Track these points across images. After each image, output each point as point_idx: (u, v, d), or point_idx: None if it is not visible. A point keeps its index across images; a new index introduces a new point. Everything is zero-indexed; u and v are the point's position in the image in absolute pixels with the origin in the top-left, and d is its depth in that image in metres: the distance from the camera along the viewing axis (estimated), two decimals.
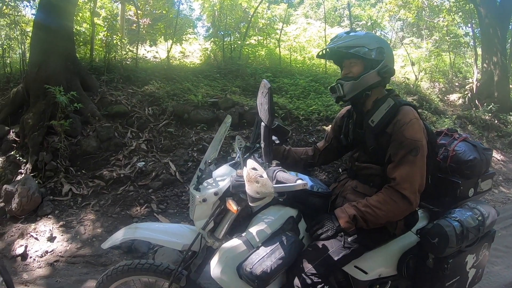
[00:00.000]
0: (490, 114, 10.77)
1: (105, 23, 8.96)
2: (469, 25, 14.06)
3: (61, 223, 4.80)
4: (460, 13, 14.20)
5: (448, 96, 12.40)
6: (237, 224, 2.26)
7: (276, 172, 1.95)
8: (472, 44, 14.10)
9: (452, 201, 2.53)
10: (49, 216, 4.94)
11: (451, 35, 14.14)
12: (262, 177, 1.75)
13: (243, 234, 2.11)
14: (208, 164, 2.32)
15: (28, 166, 5.52)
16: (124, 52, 8.81)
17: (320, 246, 2.15)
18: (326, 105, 7.85)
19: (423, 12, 15.57)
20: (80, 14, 9.05)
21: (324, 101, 8.04)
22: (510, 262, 4.50)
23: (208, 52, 10.88)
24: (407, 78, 11.90)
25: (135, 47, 9.34)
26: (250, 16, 12.21)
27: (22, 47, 8.14)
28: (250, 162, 1.85)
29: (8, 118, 6.35)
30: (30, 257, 4.32)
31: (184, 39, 12.25)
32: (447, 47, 14.02)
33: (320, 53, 2.49)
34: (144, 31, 12.50)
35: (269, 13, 14.11)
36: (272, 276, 1.93)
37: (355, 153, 2.49)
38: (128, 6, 12.07)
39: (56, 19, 6.48)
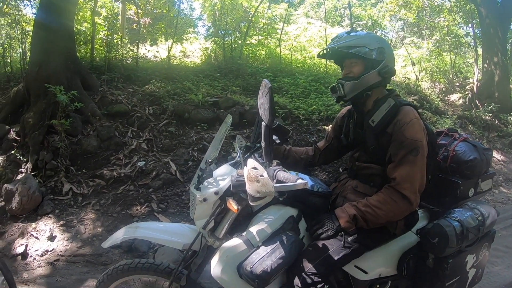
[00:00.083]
0: (490, 114, 10.77)
1: (106, 23, 8.97)
2: (470, 25, 14.08)
3: (61, 222, 4.81)
4: (461, 13, 14.20)
5: (448, 96, 12.39)
6: (238, 223, 2.26)
7: (277, 172, 1.95)
8: (473, 44, 14.11)
9: (452, 201, 2.53)
10: (49, 215, 4.94)
11: (451, 35, 14.14)
12: (263, 176, 1.75)
13: (244, 234, 2.12)
14: (209, 164, 2.33)
15: (29, 165, 5.53)
16: (124, 52, 8.83)
17: (320, 246, 2.16)
18: (326, 105, 7.85)
19: (424, 12, 15.57)
20: (81, 13, 9.07)
21: (324, 101, 8.04)
22: (510, 262, 4.50)
23: (209, 52, 10.89)
24: (407, 78, 11.92)
25: (136, 47, 9.35)
26: (250, 16, 12.23)
27: (23, 46, 8.16)
28: (251, 162, 1.85)
29: (8, 117, 6.35)
30: (31, 256, 4.32)
31: (185, 38, 12.27)
32: (447, 47, 14.02)
33: (321, 53, 2.49)
34: (144, 31, 12.53)
35: (270, 12, 14.12)
36: (273, 275, 1.94)
37: (355, 153, 2.49)
38: (129, 5, 12.09)
39: (57, 18, 6.48)
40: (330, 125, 2.89)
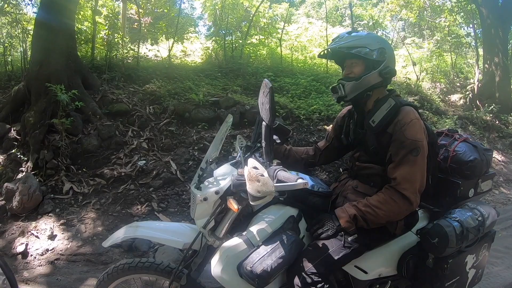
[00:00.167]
0: (491, 115, 10.77)
1: (107, 22, 8.97)
2: (471, 25, 14.04)
3: (61, 221, 4.81)
4: (462, 14, 14.20)
5: (449, 96, 12.39)
6: (238, 223, 2.27)
7: (277, 171, 1.96)
8: (474, 44, 14.10)
9: (452, 201, 2.53)
10: (49, 214, 4.95)
11: (452, 36, 14.14)
12: (263, 176, 1.75)
13: (244, 233, 2.12)
14: (209, 163, 2.33)
15: (29, 164, 5.54)
16: (125, 51, 8.83)
17: (321, 246, 2.16)
18: (327, 105, 7.86)
19: (425, 12, 15.58)
20: (82, 13, 9.08)
21: (325, 101, 8.05)
22: (510, 263, 4.49)
23: (210, 51, 10.89)
24: (408, 78, 11.91)
25: (137, 46, 9.34)
26: (251, 15, 12.23)
27: (24, 45, 8.18)
28: (251, 161, 1.86)
29: (9, 116, 6.36)
30: (31, 255, 4.33)
31: (186, 38, 12.28)
32: (448, 47, 14.02)
33: (322, 53, 2.49)
34: (145, 30, 12.53)
35: (271, 12, 14.11)
36: (273, 275, 1.94)
37: (355, 153, 2.49)
38: (130, 4, 12.09)
39: (58, 18, 6.49)
40: (331, 125, 2.90)
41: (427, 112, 9.64)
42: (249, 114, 7.07)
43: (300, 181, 1.81)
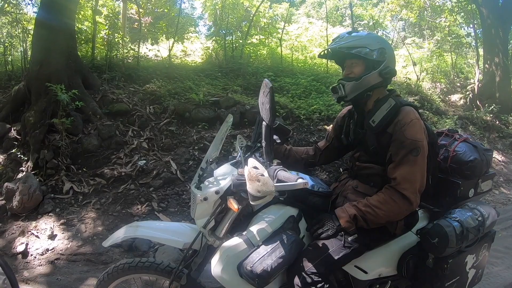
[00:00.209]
0: (491, 115, 10.77)
1: (107, 22, 8.98)
2: (471, 25, 14.03)
3: (62, 221, 4.81)
4: (462, 14, 14.20)
5: (449, 96, 12.39)
6: (238, 223, 2.27)
7: (277, 171, 1.96)
8: (474, 44, 14.10)
9: (452, 201, 2.53)
10: (50, 214, 4.95)
11: (453, 36, 14.13)
12: (263, 175, 1.75)
13: (244, 233, 2.12)
14: (210, 163, 2.33)
15: (29, 164, 5.54)
16: (125, 51, 8.83)
17: (321, 245, 2.16)
18: (327, 105, 7.86)
19: (425, 12, 15.57)
20: (82, 12, 9.08)
21: (325, 101, 8.05)
22: (510, 263, 4.49)
23: (210, 51, 10.89)
24: (408, 78, 11.91)
25: (137, 46, 9.35)
26: (252, 15, 12.22)
27: (24, 45, 8.17)
28: (252, 161, 1.86)
29: (9, 116, 6.36)
30: (31, 255, 4.33)
31: (186, 37, 12.27)
32: (448, 47, 14.01)
33: (322, 53, 2.49)
34: (145, 30, 12.54)
35: (271, 12, 14.10)
36: (273, 274, 1.94)
37: (356, 153, 2.49)
38: (130, 4, 12.10)
39: (58, 17, 6.49)
40: (331, 125, 2.90)
41: (427, 112, 9.64)
42: (249, 114, 7.07)
43: (300, 181, 1.81)
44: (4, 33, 9.72)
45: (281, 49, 11.27)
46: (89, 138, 5.98)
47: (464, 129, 9.69)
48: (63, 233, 4.65)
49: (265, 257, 1.94)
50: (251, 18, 12.20)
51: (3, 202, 5.00)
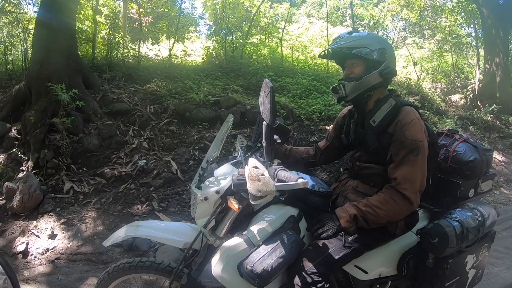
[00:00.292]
0: (492, 115, 10.77)
1: (107, 21, 8.99)
2: (472, 25, 14.03)
3: (62, 220, 4.81)
4: (463, 14, 14.19)
5: (450, 96, 12.39)
6: (238, 222, 2.27)
7: (278, 171, 1.96)
8: (475, 44, 14.09)
9: (453, 201, 2.53)
10: (50, 213, 4.95)
11: (453, 36, 14.13)
12: (264, 175, 1.75)
13: (244, 233, 2.12)
14: (210, 163, 2.33)
15: (30, 163, 5.54)
16: (126, 50, 8.82)
17: (321, 245, 2.16)
18: (328, 105, 7.86)
19: (426, 12, 15.57)
20: (82, 12, 9.08)
21: (326, 101, 8.05)
22: (510, 263, 4.49)
23: (210, 51, 10.89)
24: (409, 78, 11.91)
25: (137, 45, 9.34)
26: (252, 15, 12.22)
27: (24, 44, 8.18)
28: (252, 161, 1.86)
29: (10, 116, 6.36)
30: (31, 255, 4.33)
31: (186, 37, 12.28)
32: (449, 47, 14.01)
33: (322, 53, 2.49)
34: (146, 29, 12.53)
35: (271, 12, 14.11)
36: (273, 274, 1.94)
37: (356, 153, 2.50)
38: (130, 4, 12.09)
39: (58, 17, 6.48)
40: (331, 125, 2.90)
41: (428, 112, 9.64)
42: (249, 114, 7.07)
43: (300, 180, 1.81)
44: (5, 33, 9.73)
45: (281, 49, 11.27)
46: (89, 137, 5.99)
47: (464, 129, 9.69)
48: (63, 232, 4.66)
49: (266, 257, 1.94)
50: (251, 18, 12.20)
51: (4, 201, 5.00)
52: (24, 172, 5.44)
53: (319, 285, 2.06)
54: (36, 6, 9.18)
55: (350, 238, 2.19)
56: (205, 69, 9.49)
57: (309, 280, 2.06)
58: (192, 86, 7.80)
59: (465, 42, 14.90)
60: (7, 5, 8.39)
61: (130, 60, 8.86)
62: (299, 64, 11.49)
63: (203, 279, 2.32)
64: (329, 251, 2.14)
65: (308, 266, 2.09)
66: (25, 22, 8.75)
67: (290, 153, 2.75)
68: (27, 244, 4.41)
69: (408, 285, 2.46)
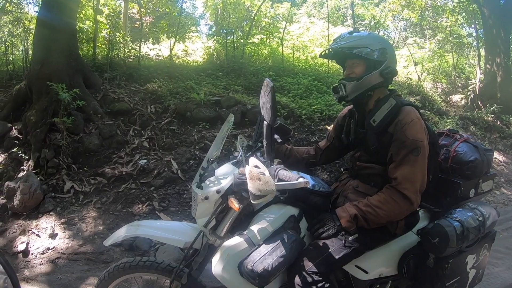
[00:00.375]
0: (492, 115, 10.75)
1: (108, 21, 9.00)
2: (473, 25, 14.00)
3: (62, 220, 4.82)
4: (464, 14, 14.17)
5: (450, 96, 12.37)
6: (239, 222, 2.27)
7: (278, 170, 1.97)
8: (475, 45, 14.07)
9: (453, 201, 2.53)
10: (51, 213, 4.96)
11: (454, 36, 14.11)
12: (264, 174, 1.76)
13: (245, 232, 2.12)
14: (211, 162, 2.33)
15: (30, 163, 5.54)
16: (127, 50, 8.83)
17: (321, 245, 2.16)
18: (328, 105, 7.85)
19: (427, 12, 15.56)
20: (83, 12, 9.08)
21: (326, 101, 8.04)
22: (511, 263, 4.49)
23: (211, 51, 10.88)
24: (410, 78, 11.90)
25: (138, 45, 9.35)
26: (253, 15, 12.23)
27: (25, 44, 8.17)
28: (253, 160, 1.86)
29: (10, 115, 6.36)
30: (32, 254, 4.33)
31: (187, 37, 12.28)
32: (450, 47, 13.98)
33: (323, 53, 2.49)
34: (147, 29, 12.54)
35: (272, 11, 14.10)
36: (273, 274, 1.94)
37: (356, 153, 2.50)
38: (131, 4, 12.09)
39: (59, 17, 6.48)
40: (332, 125, 2.90)
41: (429, 113, 9.63)
42: (250, 113, 7.07)
43: (301, 180, 1.82)
44: (6, 32, 9.73)
45: (282, 48, 11.26)
46: (90, 137, 5.99)
47: (465, 129, 9.68)
48: (64, 232, 4.66)
49: (266, 256, 1.94)
50: (252, 17, 12.21)
51: (4, 201, 5.01)
52: (25, 172, 5.44)
53: (320, 284, 2.06)
54: (37, 5, 9.20)
55: (350, 238, 2.19)
56: (205, 69, 9.48)
57: (309, 279, 2.06)
58: (193, 86, 7.80)
59: (466, 42, 14.88)
60: (8, 4, 8.39)
61: (130, 60, 8.87)
62: (300, 64, 11.48)
63: (203, 278, 2.32)
64: (330, 250, 2.14)
65: (309, 265, 2.09)
66: (26, 22, 8.76)
67: (291, 153, 2.75)
68: (28, 243, 4.42)
69: (408, 285, 2.46)
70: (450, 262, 2.29)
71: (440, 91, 12.46)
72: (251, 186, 1.75)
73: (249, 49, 10.68)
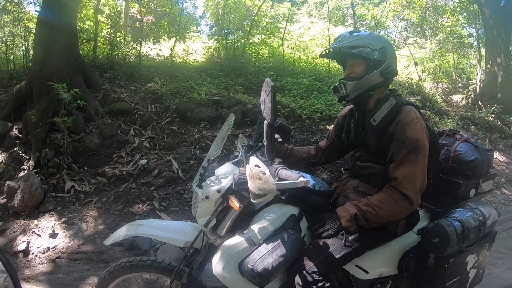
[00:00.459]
0: (493, 116, 10.74)
1: (109, 21, 8.99)
2: (473, 25, 13.97)
3: (63, 219, 4.82)
4: (464, 14, 14.15)
5: (451, 96, 12.36)
6: (239, 221, 2.28)
7: (279, 170, 1.97)
8: (476, 45, 14.05)
9: (453, 201, 2.53)
10: (51, 212, 4.96)
11: (455, 36, 14.09)
12: (265, 174, 1.76)
13: (245, 232, 2.13)
14: (211, 162, 2.34)
15: (31, 162, 5.54)
16: (127, 50, 8.84)
17: (321, 244, 2.16)
18: (329, 104, 7.85)
19: (427, 12, 15.54)
20: (84, 11, 9.07)
21: (327, 100, 8.04)
22: (511, 264, 4.49)
23: (212, 50, 10.88)
24: (410, 78, 11.89)
25: (139, 45, 9.35)
26: (253, 15, 12.23)
27: (26, 44, 8.16)
28: (253, 159, 1.87)
29: (11, 115, 6.36)
30: (32, 253, 4.34)
31: (188, 37, 12.27)
32: (450, 47, 13.96)
33: (324, 53, 2.49)
34: (147, 29, 12.52)
35: (273, 11, 14.11)
36: (274, 273, 1.94)
37: (356, 153, 2.50)
38: (132, 3, 12.08)
39: (60, 16, 6.48)
40: (332, 125, 2.91)
41: (429, 112, 9.62)
42: (251, 113, 7.07)
43: (301, 179, 1.82)
44: (6, 32, 9.72)
45: (283, 48, 11.26)
46: (90, 137, 5.99)
47: (465, 129, 9.67)
48: (64, 231, 4.66)
49: (266, 256, 1.95)
50: (253, 17, 12.20)
51: (5, 200, 5.01)
52: (25, 171, 5.44)
53: (320, 284, 2.06)
54: (38, 5, 9.20)
55: (350, 238, 2.19)
56: (206, 69, 9.49)
57: (309, 279, 2.06)
58: (193, 86, 7.81)
59: (467, 42, 14.86)
60: (8, 4, 8.39)
61: (131, 60, 8.87)
62: (301, 64, 11.48)
63: (204, 278, 2.33)
64: (330, 250, 2.14)
65: (309, 265, 2.09)
66: (27, 22, 8.75)
67: (291, 152, 2.75)
68: (28, 243, 4.42)
69: (409, 284, 2.46)
70: (450, 262, 2.29)
71: (441, 91, 12.44)
72: (251, 186, 1.75)
73: (250, 49, 10.68)
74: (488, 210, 2.46)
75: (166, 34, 11.45)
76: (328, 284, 2.09)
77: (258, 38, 11.57)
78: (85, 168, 5.71)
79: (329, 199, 2.46)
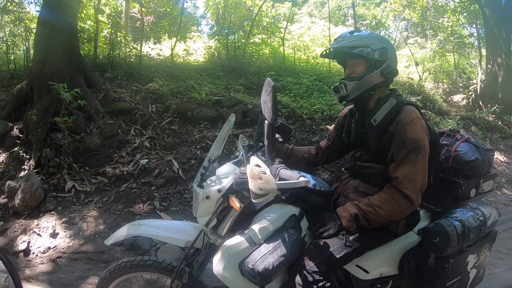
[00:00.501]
0: (494, 116, 10.74)
1: (109, 20, 8.98)
2: (474, 25, 13.98)
3: (63, 219, 4.82)
4: (465, 14, 14.15)
5: (452, 96, 12.35)
6: (240, 221, 2.27)
7: (279, 170, 1.97)
8: (477, 45, 14.04)
9: (454, 201, 2.53)
10: (52, 212, 4.96)
11: (455, 36, 14.09)
12: (265, 173, 1.76)
13: (246, 231, 2.12)
14: (212, 162, 2.34)
15: (32, 162, 5.55)
16: (128, 50, 8.84)
17: (322, 244, 2.16)
18: (329, 104, 7.85)
19: (428, 12, 15.53)
20: (84, 11, 9.08)
21: (327, 100, 8.04)
22: None
23: (212, 50, 10.89)
24: (411, 78, 11.88)
25: (139, 45, 9.36)
26: (254, 15, 12.23)
27: (26, 43, 8.18)
28: (254, 159, 1.87)
29: (12, 114, 6.36)
30: (33, 253, 4.34)
31: (188, 37, 12.27)
32: (451, 47, 13.96)
33: (324, 53, 2.49)
34: (148, 29, 12.53)
35: (273, 11, 14.10)
36: (274, 273, 1.94)
37: (357, 152, 2.50)
38: (132, 3, 12.09)
39: (61, 16, 6.49)
40: (333, 125, 2.91)
41: (430, 112, 9.62)
42: (251, 113, 7.07)
43: (302, 179, 1.82)
44: (7, 32, 9.74)
45: (283, 48, 11.26)
46: (91, 136, 5.99)
47: (466, 129, 9.67)
48: (65, 231, 4.66)
49: (267, 256, 1.95)
50: (253, 17, 12.21)
51: (5, 200, 5.02)
52: (26, 171, 5.44)
53: (320, 284, 2.06)
54: (38, 5, 9.19)
55: (351, 238, 2.19)
56: (207, 69, 9.49)
57: (310, 279, 2.06)
58: (194, 86, 7.81)
59: (467, 42, 14.85)
60: (9, 4, 8.39)
61: (132, 59, 8.88)
62: (301, 63, 11.48)
63: (204, 278, 2.33)
64: (330, 250, 2.14)
65: (309, 265, 2.09)
66: (27, 21, 8.75)
67: (292, 152, 2.75)
68: (29, 242, 4.42)
69: (409, 284, 2.46)
70: (451, 262, 2.29)
71: (441, 91, 12.44)
72: (252, 185, 1.75)
73: (250, 48, 10.68)
74: (488, 210, 2.46)
75: (166, 34, 11.46)
76: (329, 284, 2.09)
77: (259, 38, 11.57)
78: (86, 168, 5.71)
79: (330, 199, 2.46)
